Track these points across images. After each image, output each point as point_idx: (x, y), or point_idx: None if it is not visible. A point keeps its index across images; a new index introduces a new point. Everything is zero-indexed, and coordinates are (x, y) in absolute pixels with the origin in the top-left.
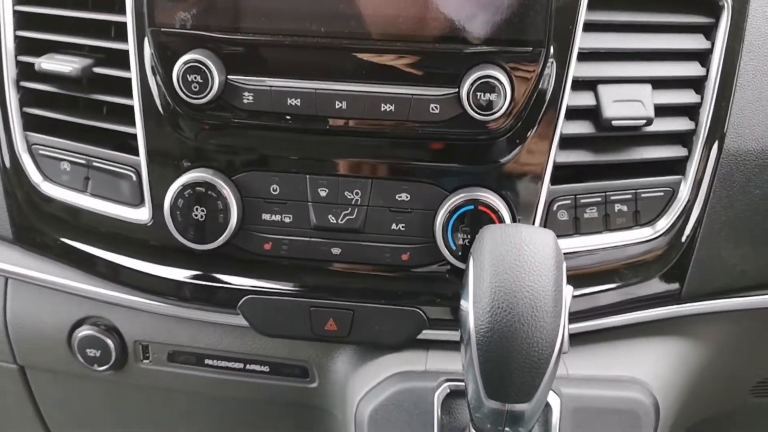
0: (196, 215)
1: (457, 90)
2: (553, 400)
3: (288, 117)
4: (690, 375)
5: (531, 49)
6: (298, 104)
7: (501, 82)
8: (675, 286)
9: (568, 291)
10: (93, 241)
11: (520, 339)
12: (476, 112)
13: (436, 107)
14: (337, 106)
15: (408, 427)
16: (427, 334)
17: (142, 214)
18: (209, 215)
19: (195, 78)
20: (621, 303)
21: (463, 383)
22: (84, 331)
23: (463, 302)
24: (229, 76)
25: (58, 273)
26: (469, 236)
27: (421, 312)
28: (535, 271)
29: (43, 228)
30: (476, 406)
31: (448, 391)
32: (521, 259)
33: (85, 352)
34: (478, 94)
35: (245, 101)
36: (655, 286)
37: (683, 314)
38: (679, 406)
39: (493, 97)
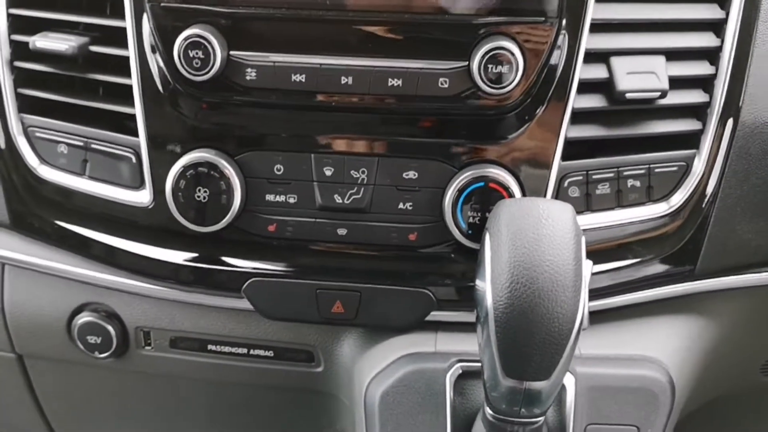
0: (198, 197)
1: (467, 63)
2: (568, 379)
3: (292, 93)
4: (703, 353)
5: (544, 19)
6: (303, 80)
7: (513, 54)
8: (689, 262)
9: (587, 265)
10: (92, 225)
11: (540, 314)
12: (487, 86)
13: (445, 81)
14: (342, 82)
15: (420, 408)
16: (435, 315)
17: (142, 197)
18: (212, 196)
19: (196, 54)
20: (634, 281)
21: (475, 364)
22: (84, 318)
23: (478, 282)
24: (231, 52)
25: (56, 258)
26: (479, 214)
27: (429, 293)
28: (554, 244)
29: (41, 212)
30: (492, 385)
31: (460, 371)
32: (540, 233)
33: (86, 339)
34: (490, 66)
35: (248, 78)
36: (669, 262)
37: (697, 291)
38: (693, 384)
39: (504, 69)
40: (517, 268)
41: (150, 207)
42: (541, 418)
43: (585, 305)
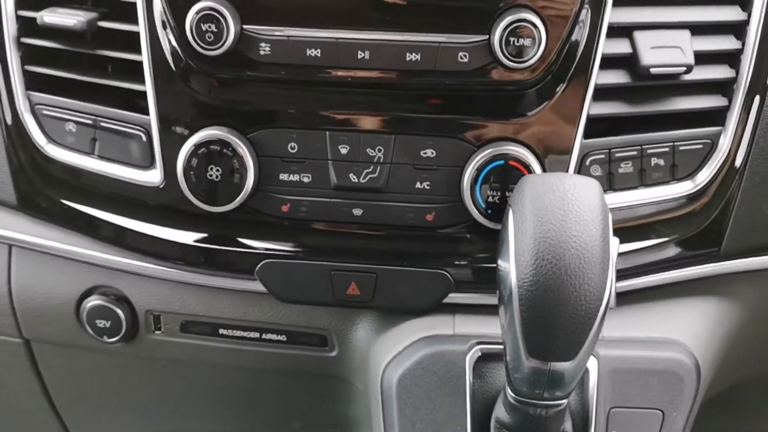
0: (210, 175)
1: (487, 36)
2: (590, 362)
3: (306, 69)
4: (728, 335)
5: None
6: (318, 55)
7: (535, 26)
8: (714, 242)
9: (614, 242)
10: (101, 206)
11: (567, 292)
12: (508, 60)
13: (465, 56)
14: (359, 56)
15: (439, 392)
16: (453, 297)
17: (153, 176)
18: (224, 175)
19: (209, 28)
20: (657, 262)
21: (495, 346)
22: (93, 302)
23: (500, 261)
24: (244, 26)
25: (64, 240)
26: (498, 193)
27: (447, 274)
28: (581, 220)
29: (49, 192)
30: (515, 366)
31: (480, 354)
32: (566, 208)
33: (95, 323)
34: (511, 40)
35: (261, 53)
36: (694, 243)
37: (722, 272)
38: (717, 368)
39: (527, 42)
40: (542, 245)
41: (161, 186)
42: (564, 401)
43: (612, 283)
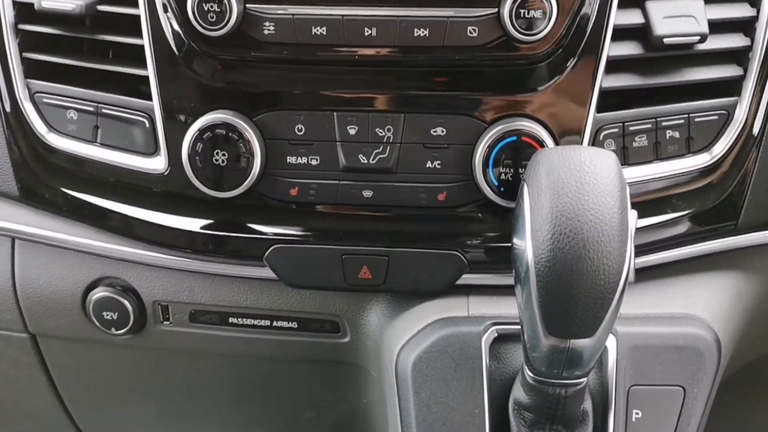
0: (216, 160)
1: (497, 9)
2: (609, 340)
3: (312, 48)
4: (747, 310)
5: None
6: (324, 33)
7: None
8: (731, 216)
9: (632, 215)
10: (105, 195)
11: (586, 266)
12: (519, 33)
13: (474, 30)
14: (366, 34)
15: (455, 374)
16: (467, 278)
17: (157, 163)
18: (230, 160)
19: (211, 7)
20: (674, 237)
21: (511, 326)
22: (99, 293)
23: (516, 239)
24: (247, 5)
25: (69, 231)
26: (511, 170)
27: (460, 255)
28: (599, 192)
29: (51, 182)
30: (533, 345)
31: (496, 335)
32: (583, 181)
33: (101, 315)
34: (521, 12)
35: (266, 32)
36: (711, 216)
37: (740, 246)
38: (737, 343)
39: (537, 14)
40: (559, 218)
41: (165, 173)
42: (584, 380)
43: (631, 257)
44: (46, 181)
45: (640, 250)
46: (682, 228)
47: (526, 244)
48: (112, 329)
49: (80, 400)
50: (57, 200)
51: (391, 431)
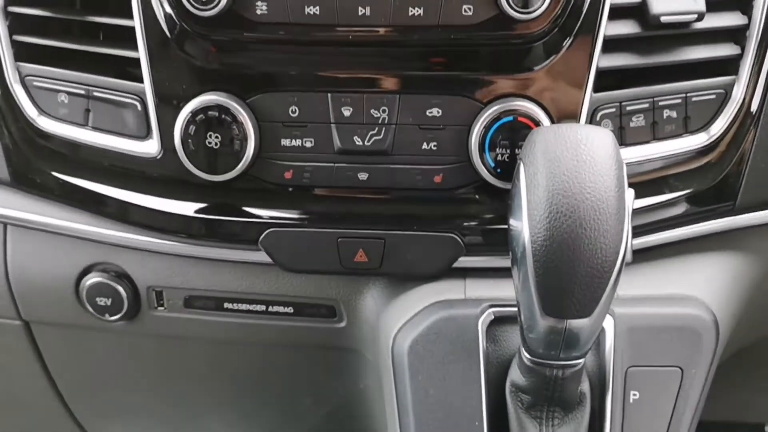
0: (209, 143)
1: None
2: (606, 321)
3: (305, 28)
4: (745, 291)
5: None
6: (317, 12)
7: None
8: (729, 196)
9: (630, 194)
10: (98, 179)
11: (583, 246)
12: (514, 11)
13: (469, 8)
14: (360, 13)
15: (451, 357)
16: (464, 261)
17: (150, 147)
18: (224, 143)
19: None
20: (672, 218)
21: (508, 309)
22: (92, 279)
23: (512, 221)
24: None
25: (61, 216)
26: (508, 151)
27: (457, 237)
28: (596, 170)
29: (42, 167)
30: (530, 326)
31: (493, 317)
32: (580, 159)
33: (95, 302)
34: None
35: (258, 12)
36: (709, 196)
37: (738, 227)
38: (735, 324)
39: None
40: (556, 197)
41: (158, 157)
42: (581, 361)
43: (629, 236)
44: (38, 166)
45: (638, 231)
46: (679, 208)
47: (523, 225)
48: (106, 315)
49: (75, 388)
50: (49, 185)
51: (388, 415)
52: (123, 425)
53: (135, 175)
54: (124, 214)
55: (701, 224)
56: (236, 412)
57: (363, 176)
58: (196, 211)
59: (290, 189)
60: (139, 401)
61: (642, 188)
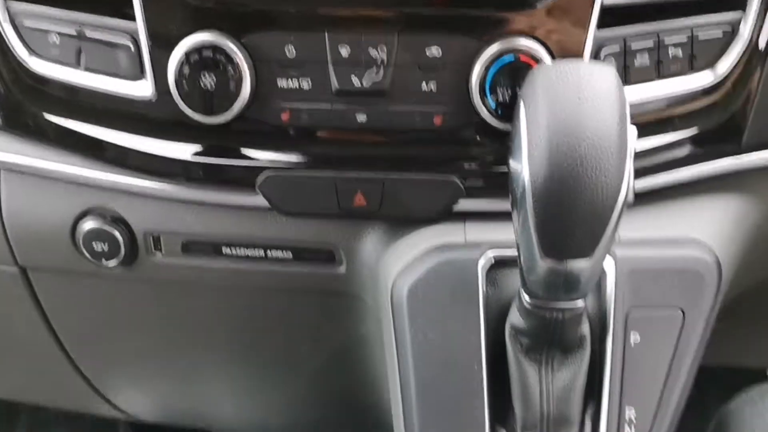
0: (204, 84)
1: None
2: (607, 263)
3: None
4: (749, 233)
5: None
6: None
7: None
8: (735, 136)
9: (632, 132)
10: (92, 121)
11: (583, 184)
12: None
13: None
14: None
15: (451, 301)
16: (464, 204)
17: (144, 89)
18: (219, 84)
19: None
20: (677, 159)
21: (508, 252)
22: (88, 224)
23: (512, 162)
24: None
25: (55, 159)
26: (509, 91)
27: (456, 180)
28: (598, 107)
29: (35, 110)
30: (530, 268)
31: (493, 260)
32: (582, 96)
33: (92, 247)
34: None
35: None
36: (714, 137)
37: (743, 168)
38: (738, 266)
39: None
40: (556, 135)
41: (153, 99)
42: (582, 304)
43: (631, 174)
44: (30, 109)
45: (641, 172)
46: (683, 149)
47: (522, 165)
48: (103, 261)
49: (75, 335)
50: (42, 128)
51: (388, 360)
52: (124, 372)
53: (130, 118)
54: (119, 158)
55: (705, 165)
56: (236, 358)
57: (361, 118)
58: (193, 154)
59: (287, 131)
60: (139, 348)
61: (646, 129)
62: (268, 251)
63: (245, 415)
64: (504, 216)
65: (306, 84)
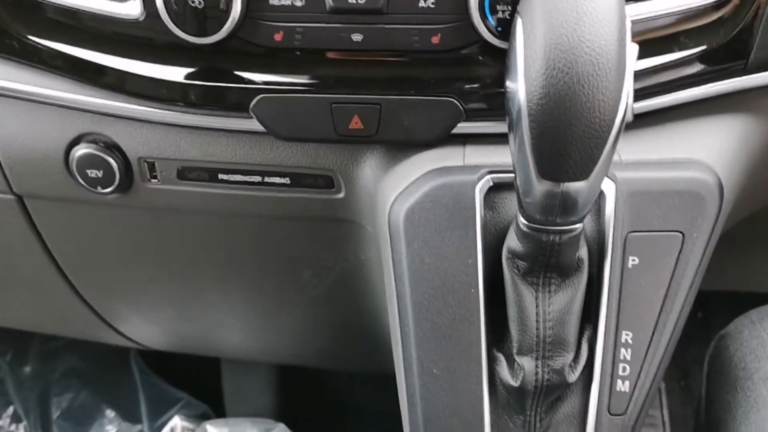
0: (193, 2)
1: None
2: (607, 186)
3: None
4: (753, 155)
5: None
6: None
7: None
8: (741, 54)
9: (632, 49)
10: (78, 44)
11: (580, 103)
12: None
13: None
14: None
15: (448, 224)
16: (463, 127)
17: (131, 8)
18: (209, 2)
19: None
20: (681, 78)
21: (507, 175)
22: (82, 150)
23: (509, 83)
24: None
25: (44, 84)
26: (509, 8)
27: (456, 101)
28: (596, 22)
29: (19, 30)
30: (526, 190)
31: (491, 183)
32: (580, 10)
33: (86, 173)
34: None
35: None
36: (720, 55)
37: (749, 87)
38: (741, 189)
39: None
40: (553, 52)
41: (141, 19)
42: (579, 226)
43: (629, 93)
44: (14, 30)
45: (645, 92)
46: (689, 68)
47: (518, 84)
48: (98, 188)
49: (75, 263)
50: (28, 51)
51: (386, 285)
52: (127, 300)
53: (119, 40)
54: (109, 82)
55: (711, 85)
56: (237, 286)
57: (357, 37)
58: (185, 77)
59: (281, 52)
60: (141, 276)
61: (651, 47)
62: (266, 177)
63: (250, 343)
64: (505, 138)
65: (299, 2)
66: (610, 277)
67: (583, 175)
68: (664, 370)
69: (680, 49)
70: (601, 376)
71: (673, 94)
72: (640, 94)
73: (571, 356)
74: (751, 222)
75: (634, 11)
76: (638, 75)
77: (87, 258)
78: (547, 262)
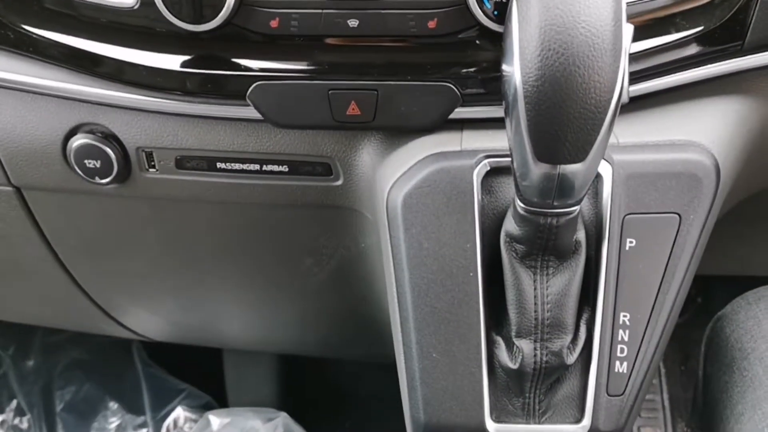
0: None
1: None
2: (604, 168)
3: None
4: (750, 137)
5: None
6: None
7: None
8: (737, 35)
9: (628, 29)
10: (74, 33)
11: (576, 84)
12: None
13: None
14: None
15: (446, 209)
16: (460, 112)
17: None
18: None
19: None
20: (677, 60)
21: (504, 159)
22: (79, 140)
23: (504, 66)
24: None
25: (41, 74)
26: None
27: (453, 86)
28: (591, 3)
29: (17, 21)
30: (523, 173)
31: (488, 168)
32: None
33: (84, 164)
34: None
35: None
36: (716, 36)
37: (746, 68)
38: (738, 171)
39: None
40: (548, 33)
41: (135, 7)
42: (576, 209)
43: (625, 74)
44: (9, 20)
45: (641, 75)
46: (685, 50)
47: (514, 67)
48: (96, 178)
49: (75, 255)
50: (23, 41)
51: (385, 270)
52: (128, 291)
53: (114, 29)
54: (105, 71)
55: (707, 66)
56: (237, 275)
57: (353, 23)
58: (181, 65)
59: (277, 39)
60: (141, 267)
61: (647, 29)
62: (264, 165)
63: (251, 333)
64: (502, 123)
65: None
66: (608, 259)
67: (579, 157)
68: (662, 351)
69: (676, 31)
70: (599, 358)
71: (669, 76)
72: (636, 77)
73: (569, 338)
74: (750, 205)
75: None
76: (635, 57)
77: (87, 249)
78: (544, 245)
